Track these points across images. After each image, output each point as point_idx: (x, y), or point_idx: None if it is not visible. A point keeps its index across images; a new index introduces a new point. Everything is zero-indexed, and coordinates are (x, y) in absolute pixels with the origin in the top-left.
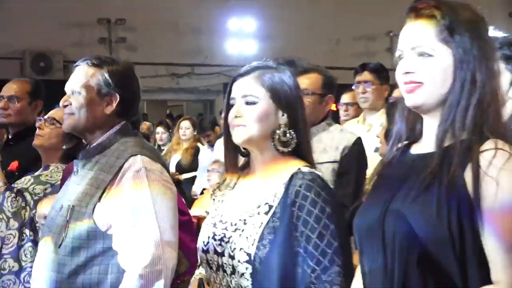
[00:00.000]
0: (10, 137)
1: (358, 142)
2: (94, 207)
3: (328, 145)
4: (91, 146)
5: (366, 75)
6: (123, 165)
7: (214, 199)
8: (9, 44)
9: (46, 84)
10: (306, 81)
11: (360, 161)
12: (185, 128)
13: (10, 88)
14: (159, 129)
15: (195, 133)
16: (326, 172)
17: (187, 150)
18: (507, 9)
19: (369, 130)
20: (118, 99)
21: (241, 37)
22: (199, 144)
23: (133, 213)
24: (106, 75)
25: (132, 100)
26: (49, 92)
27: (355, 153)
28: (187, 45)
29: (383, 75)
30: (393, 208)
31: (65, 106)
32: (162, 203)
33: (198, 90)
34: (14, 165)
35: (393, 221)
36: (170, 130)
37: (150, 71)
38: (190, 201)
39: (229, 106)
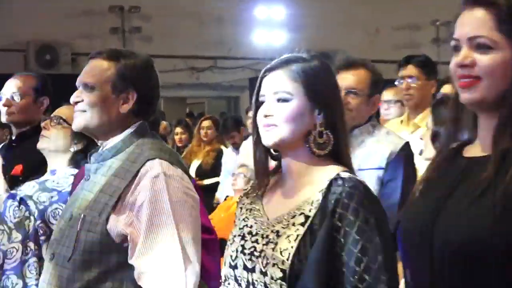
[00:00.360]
0: (13, 137)
1: (406, 148)
2: (108, 217)
3: (373, 149)
4: (105, 148)
5: (410, 69)
6: (139, 170)
7: (241, 208)
8: (12, 35)
9: (52, 79)
10: (351, 78)
11: (407, 168)
12: (206, 128)
13: (13, 84)
14: (178, 130)
15: (217, 134)
16: (370, 180)
17: (209, 152)
18: None
19: (414, 131)
20: (135, 97)
21: (269, 26)
22: (222, 146)
23: (150, 224)
24: (123, 70)
25: (151, 98)
26: (56, 88)
27: (402, 160)
28: (209, 36)
29: (430, 69)
30: (443, 217)
31: (76, 103)
32: (183, 213)
33: (221, 86)
34: (18, 169)
35: (443, 230)
36: (190, 131)
37: (167, 65)
38: (212, 209)
39: (258, 104)
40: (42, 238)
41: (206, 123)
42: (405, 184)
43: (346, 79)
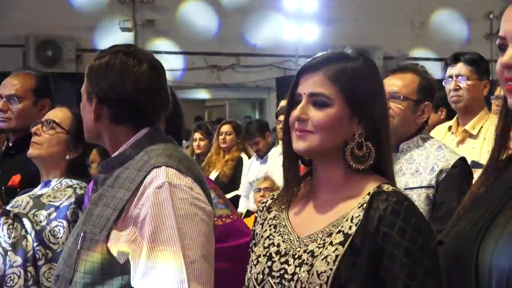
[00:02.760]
0: (10, 145)
1: (461, 164)
2: (109, 233)
3: (422, 165)
4: (113, 156)
5: (460, 68)
6: (144, 179)
7: (262, 224)
8: (10, 28)
9: (55, 78)
10: (397, 82)
11: (462, 189)
12: (225, 134)
13: (10, 85)
14: (197, 135)
15: (238, 141)
16: (418, 199)
17: (227, 162)
18: None
19: (464, 139)
20: (94, 102)
21: (299, 19)
22: (243, 155)
23: (153, 242)
24: (88, 72)
25: (131, 102)
26: (59, 89)
27: (455, 179)
28: (231, 30)
29: (482, 67)
30: (490, 238)
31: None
32: (191, 228)
33: (245, 87)
34: (15, 179)
35: (490, 254)
36: (211, 136)
37: (183, 63)
38: None
39: (293, 103)
40: (40, 262)
41: (225, 128)
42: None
43: (390, 83)
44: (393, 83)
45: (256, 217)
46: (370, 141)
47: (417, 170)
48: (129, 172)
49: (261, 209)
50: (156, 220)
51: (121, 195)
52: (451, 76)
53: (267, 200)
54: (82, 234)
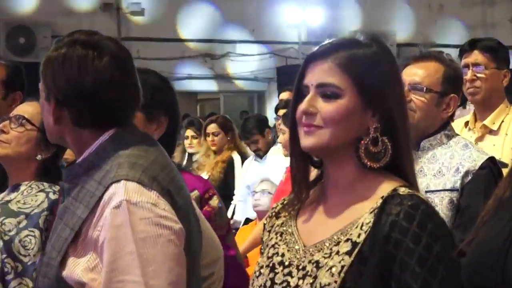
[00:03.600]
0: None
1: (489, 165)
2: (64, 258)
3: (446, 166)
4: (77, 162)
5: (476, 56)
6: (103, 195)
7: (269, 231)
8: None
9: (28, 68)
10: (419, 72)
11: (490, 193)
12: (213, 134)
13: None
14: (189, 133)
15: (229, 138)
16: (441, 204)
17: (217, 163)
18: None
19: (483, 136)
20: (52, 103)
21: (302, 3)
22: (234, 155)
23: (111, 271)
24: (67, 70)
25: (116, 101)
26: (32, 80)
27: (483, 182)
28: (226, 14)
29: (501, 55)
30: None
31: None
32: (155, 252)
33: (242, 78)
34: None
35: None
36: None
37: (173, 51)
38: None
39: (299, 96)
40: (9, 277)
41: (211, 128)
42: None
43: (411, 73)
44: (414, 73)
45: (264, 224)
46: (386, 136)
47: (440, 171)
48: (92, 183)
49: (270, 215)
50: (114, 246)
51: (80, 213)
52: (467, 66)
53: (277, 205)
54: (39, 256)
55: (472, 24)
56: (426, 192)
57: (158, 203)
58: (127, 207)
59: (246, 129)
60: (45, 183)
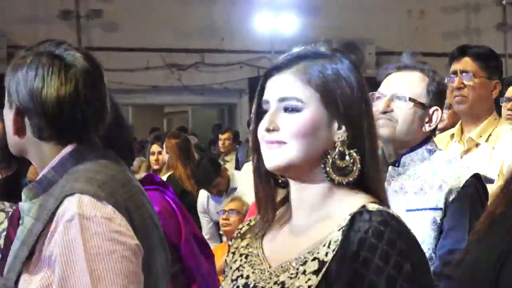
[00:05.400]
0: None
1: (474, 183)
2: (18, 277)
3: (428, 183)
4: (36, 180)
5: (466, 63)
6: (56, 210)
7: (233, 253)
8: None
9: None
10: (403, 82)
11: (475, 213)
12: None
13: None
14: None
15: (174, 158)
16: (423, 223)
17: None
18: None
19: (469, 149)
20: (12, 113)
21: (275, 9)
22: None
23: (59, 285)
24: (31, 81)
25: (80, 117)
26: None
27: (468, 200)
28: (195, 22)
29: (492, 64)
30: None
31: None
32: (107, 269)
33: (211, 89)
34: None
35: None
36: None
37: (137, 61)
38: None
39: (260, 114)
40: None
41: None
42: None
43: (393, 82)
44: (397, 82)
45: (229, 245)
46: (353, 149)
47: (422, 188)
48: (50, 200)
49: (235, 236)
50: (65, 262)
51: (37, 230)
52: (455, 72)
53: (243, 226)
54: None
55: (455, 31)
56: (408, 211)
57: (113, 217)
58: (80, 222)
59: (201, 177)
60: (6, 203)
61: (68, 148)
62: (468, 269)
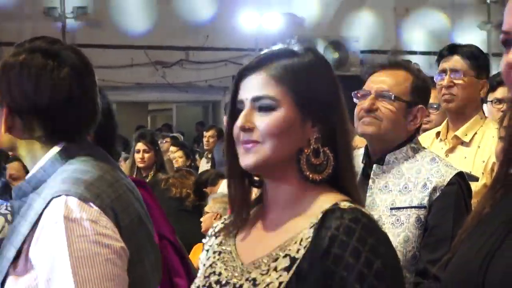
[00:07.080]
0: None
1: (458, 181)
2: (4, 279)
3: (412, 181)
4: (26, 179)
5: (456, 61)
6: (43, 211)
7: (207, 250)
8: None
9: None
10: (387, 80)
11: (459, 211)
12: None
13: None
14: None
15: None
16: (407, 222)
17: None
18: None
19: (455, 147)
20: (4, 111)
21: (259, 7)
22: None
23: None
24: (24, 80)
25: (72, 116)
26: None
27: (452, 198)
28: (179, 20)
29: (482, 63)
30: (498, 265)
31: None
32: (91, 271)
33: (195, 87)
34: None
35: (498, 283)
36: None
37: (122, 58)
38: None
39: (234, 114)
40: None
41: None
42: (454, 232)
43: (378, 81)
44: (382, 80)
45: (203, 244)
46: (327, 147)
47: (406, 186)
48: (38, 200)
49: (209, 234)
50: (49, 264)
51: (23, 230)
52: (444, 71)
53: (217, 225)
54: None
55: (439, 29)
56: (392, 209)
57: (99, 220)
58: (65, 224)
59: (203, 184)
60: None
61: (58, 147)
62: (456, 269)
